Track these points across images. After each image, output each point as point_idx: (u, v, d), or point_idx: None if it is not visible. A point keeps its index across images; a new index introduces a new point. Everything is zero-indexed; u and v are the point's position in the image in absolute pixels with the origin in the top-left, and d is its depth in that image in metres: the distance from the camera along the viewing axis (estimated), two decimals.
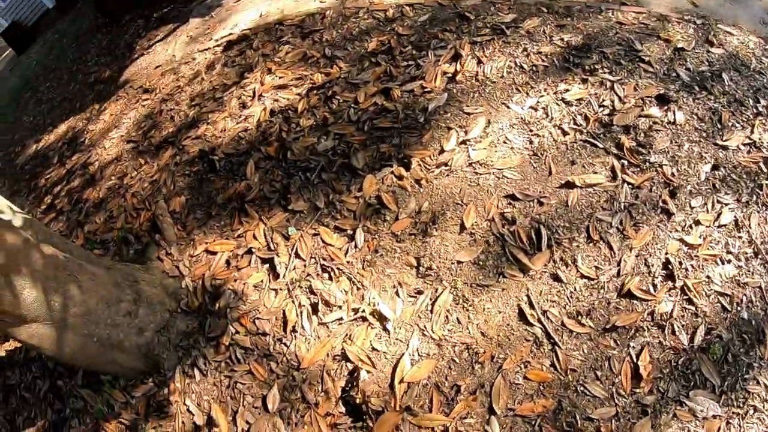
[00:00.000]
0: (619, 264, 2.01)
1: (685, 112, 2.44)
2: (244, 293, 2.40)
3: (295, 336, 2.20)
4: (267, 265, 2.41)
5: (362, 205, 2.30)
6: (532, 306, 1.97)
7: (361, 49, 2.92)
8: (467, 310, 2.01)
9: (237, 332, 2.28)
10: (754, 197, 2.21)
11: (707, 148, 2.34)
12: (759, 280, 2.05)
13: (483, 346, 1.96)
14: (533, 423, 1.85)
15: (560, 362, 1.90)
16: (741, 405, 1.90)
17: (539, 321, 1.95)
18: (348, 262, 2.23)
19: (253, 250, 2.47)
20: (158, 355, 2.32)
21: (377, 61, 2.76)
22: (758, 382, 1.92)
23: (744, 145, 2.35)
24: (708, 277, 2.02)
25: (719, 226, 2.13)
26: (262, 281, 2.39)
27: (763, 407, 1.91)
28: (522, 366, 1.92)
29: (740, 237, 2.12)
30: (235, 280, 2.45)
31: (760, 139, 2.38)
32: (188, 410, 2.23)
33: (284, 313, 2.26)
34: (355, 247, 2.24)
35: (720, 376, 1.90)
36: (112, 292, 2.23)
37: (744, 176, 2.27)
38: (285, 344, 2.20)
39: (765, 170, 2.29)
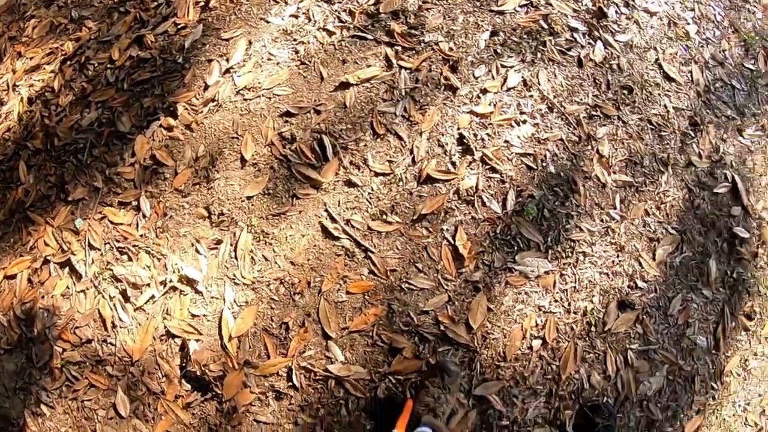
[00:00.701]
0: (412, 152, 1.94)
1: None
2: (56, 307, 2.13)
3: (117, 331, 1.99)
4: (67, 269, 2.14)
5: (139, 170, 2.06)
6: (333, 219, 1.87)
7: (108, 1, 2.55)
8: (270, 244, 1.88)
9: (64, 350, 2.04)
10: (539, 55, 2.20)
11: (483, 16, 2.28)
12: (558, 132, 2.07)
13: (296, 275, 1.85)
14: (370, 334, 1.80)
15: (378, 267, 1.84)
16: (570, 254, 1.94)
17: (345, 232, 1.86)
18: (141, 235, 2.01)
19: (49, 258, 2.17)
20: (1, 407, 2.04)
21: (126, 9, 2.42)
22: (581, 229, 1.98)
23: (521, 6, 2.32)
24: (506, 141, 2.01)
25: (508, 90, 2.11)
26: (68, 287, 2.12)
27: (592, 251, 1.97)
28: (341, 282, 1.84)
29: (531, 96, 2.12)
30: (43, 297, 2.16)
31: None
32: None
33: (99, 312, 2.03)
34: (144, 217, 2.02)
35: (541, 233, 1.93)
36: None
37: (525, 37, 2.25)
38: (111, 343, 1.99)
39: (546, 27, 2.28)
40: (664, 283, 2.03)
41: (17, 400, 2.05)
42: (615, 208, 2.02)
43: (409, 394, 1.75)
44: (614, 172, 2.05)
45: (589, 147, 2.05)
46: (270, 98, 2.03)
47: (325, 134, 1.94)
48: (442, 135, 1.96)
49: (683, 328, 2.03)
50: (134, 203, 2.05)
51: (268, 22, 2.17)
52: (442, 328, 1.78)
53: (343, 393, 1.76)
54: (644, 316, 1.96)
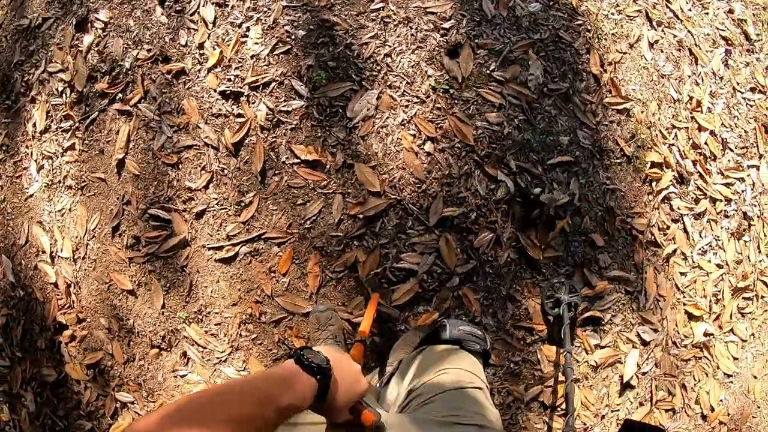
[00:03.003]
0: (210, 146, 1.94)
1: None
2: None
3: None
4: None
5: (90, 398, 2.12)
6: (220, 249, 1.91)
7: None
8: (207, 315, 1.94)
9: None
10: None
11: None
12: (280, 3, 2.00)
13: (241, 312, 1.90)
14: (324, 281, 1.86)
15: (280, 236, 1.88)
16: (380, 68, 1.94)
17: (235, 251, 1.90)
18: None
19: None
20: None
21: None
22: (367, 44, 1.96)
23: None
24: (253, 56, 1.95)
25: (213, 28, 2.01)
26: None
27: (392, 49, 1.95)
28: (272, 278, 1.89)
29: (234, 11, 2.02)
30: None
31: None
32: None
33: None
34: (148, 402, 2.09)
35: (347, 79, 1.94)
36: None
37: None
38: None
39: None
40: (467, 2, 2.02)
41: None
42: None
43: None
44: None
45: None
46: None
47: (155, 207, 1.95)
48: (211, 109, 1.95)
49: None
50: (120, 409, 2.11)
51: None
52: (360, 217, 1.84)
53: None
54: (475, 43, 1.96)
